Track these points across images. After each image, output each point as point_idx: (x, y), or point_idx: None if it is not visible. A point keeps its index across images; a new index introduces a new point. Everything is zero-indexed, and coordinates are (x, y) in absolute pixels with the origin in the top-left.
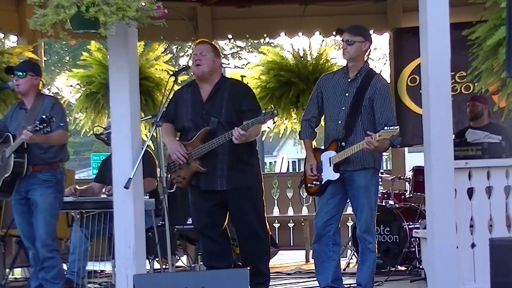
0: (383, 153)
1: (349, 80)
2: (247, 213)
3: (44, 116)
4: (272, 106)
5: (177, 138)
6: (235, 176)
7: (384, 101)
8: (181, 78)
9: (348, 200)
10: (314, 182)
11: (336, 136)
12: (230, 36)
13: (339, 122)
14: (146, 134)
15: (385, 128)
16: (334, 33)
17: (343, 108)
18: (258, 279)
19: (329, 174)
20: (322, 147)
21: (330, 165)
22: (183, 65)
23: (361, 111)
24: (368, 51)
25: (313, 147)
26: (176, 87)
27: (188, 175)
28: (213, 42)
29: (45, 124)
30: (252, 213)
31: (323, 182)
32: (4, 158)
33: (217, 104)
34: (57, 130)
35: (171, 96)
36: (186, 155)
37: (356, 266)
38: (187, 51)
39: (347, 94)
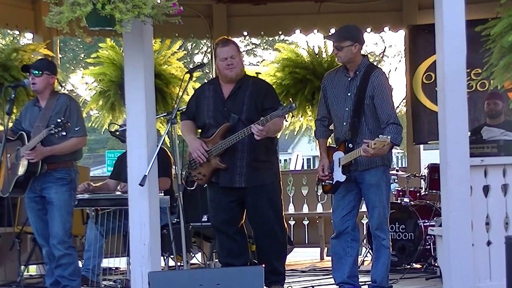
0: (399, 151)
1: (349, 79)
2: (265, 211)
3: (59, 120)
4: (291, 100)
5: (198, 136)
6: (254, 173)
7: (383, 97)
8: (195, 74)
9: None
10: (327, 181)
11: (343, 138)
12: (245, 33)
13: (344, 123)
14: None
15: (379, 136)
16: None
17: (347, 109)
18: (273, 277)
19: (338, 175)
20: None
21: (339, 166)
22: (198, 63)
23: (364, 111)
24: (383, 47)
25: (328, 145)
26: (192, 84)
27: (208, 172)
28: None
29: (60, 128)
30: (270, 211)
31: (333, 183)
32: (18, 157)
33: (238, 101)
34: (70, 138)
35: (185, 93)
36: (206, 153)
37: (371, 264)
38: (201, 48)
39: (349, 94)
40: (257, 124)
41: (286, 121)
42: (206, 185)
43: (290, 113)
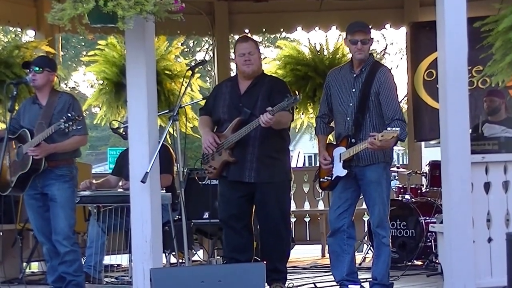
0: (400, 148)
1: (354, 75)
2: (271, 209)
3: (69, 114)
4: (296, 92)
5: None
6: (264, 170)
7: (389, 94)
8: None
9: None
10: (325, 177)
11: (346, 133)
12: (246, 31)
13: (348, 118)
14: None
15: (388, 128)
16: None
17: (351, 105)
18: (274, 275)
19: (338, 170)
20: (335, 143)
21: (340, 161)
22: (200, 60)
23: (369, 107)
24: (384, 45)
25: (327, 142)
26: (194, 81)
27: (219, 165)
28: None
29: (71, 123)
30: (277, 209)
31: (333, 178)
32: (20, 154)
33: (253, 97)
34: (73, 136)
35: (187, 90)
36: (217, 144)
37: (372, 261)
38: (203, 45)
39: (353, 90)
40: (267, 113)
41: (292, 114)
42: (208, 182)
43: (295, 107)
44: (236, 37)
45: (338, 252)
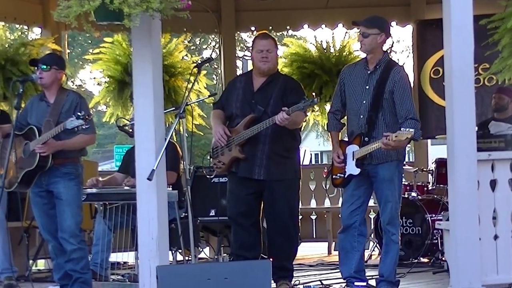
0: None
1: (368, 72)
2: (280, 207)
3: (79, 113)
4: (313, 94)
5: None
6: (274, 167)
7: (404, 93)
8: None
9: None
10: (338, 174)
11: (359, 131)
12: (253, 28)
13: (361, 116)
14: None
15: (402, 129)
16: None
17: (364, 102)
18: (281, 273)
19: (351, 168)
20: (346, 139)
21: (353, 159)
22: (206, 57)
23: (382, 105)
24: (390, 42)
25: (339, 138)
26: (201, 78)
27: (228, 161)
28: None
29: (81, 121)
30: (285, 208)
31: (346, 176)
32: (26, 151)
33: (266, 95)
34: (80, 135)
35: (193, 87)
36: (227, 137)
37: (378, 258)
38: (210, 43)
39: (367, 87)
40: (284, 112)
41: (306, 115)
42: (216, 180)
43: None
44: (243, 34)
45: (348, 249)
